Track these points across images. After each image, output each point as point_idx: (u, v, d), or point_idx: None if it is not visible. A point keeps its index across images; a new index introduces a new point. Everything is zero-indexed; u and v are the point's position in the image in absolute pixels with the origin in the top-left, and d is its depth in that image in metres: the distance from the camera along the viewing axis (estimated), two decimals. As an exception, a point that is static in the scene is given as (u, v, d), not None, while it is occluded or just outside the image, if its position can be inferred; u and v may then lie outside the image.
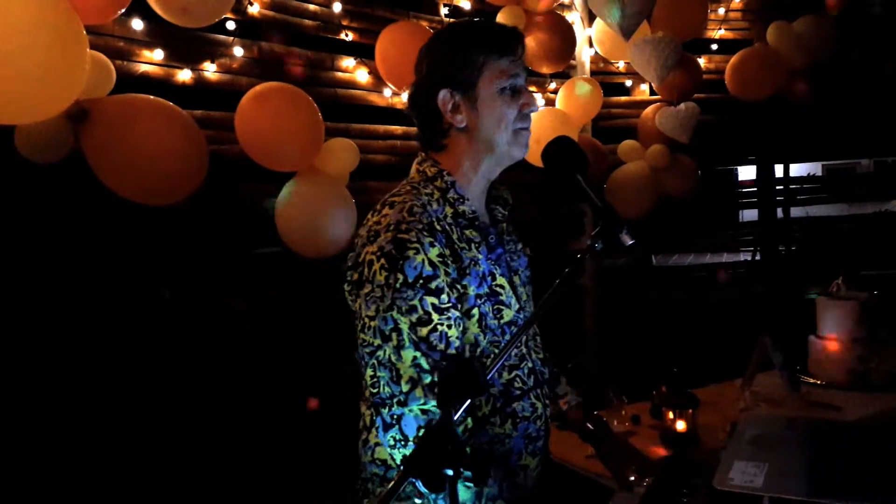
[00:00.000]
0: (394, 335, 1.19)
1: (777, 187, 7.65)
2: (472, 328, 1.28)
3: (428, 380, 1.17)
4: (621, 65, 4.77)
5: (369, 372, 1.22)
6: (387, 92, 3.86)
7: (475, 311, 1.28)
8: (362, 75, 3.79)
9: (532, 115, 1.36)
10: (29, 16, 2.01)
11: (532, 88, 4.32)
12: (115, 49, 2.92)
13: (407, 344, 1.18)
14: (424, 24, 3.98)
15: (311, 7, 3.66)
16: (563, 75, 4.44)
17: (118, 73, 2.65)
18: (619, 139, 4.52)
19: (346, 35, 3.78)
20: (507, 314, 1.33)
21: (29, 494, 2.87)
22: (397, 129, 3.96)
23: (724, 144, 5.27)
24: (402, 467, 0.95)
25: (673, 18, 4.01)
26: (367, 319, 1.22)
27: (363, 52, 3.78)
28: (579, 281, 4.42)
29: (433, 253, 1.22)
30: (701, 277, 9.25)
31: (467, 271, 1.27)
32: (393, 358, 1.19)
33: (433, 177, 1.34)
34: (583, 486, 1.73)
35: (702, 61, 4.71)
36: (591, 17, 4.38)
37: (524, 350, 1.39)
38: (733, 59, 4.52)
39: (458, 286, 1.26)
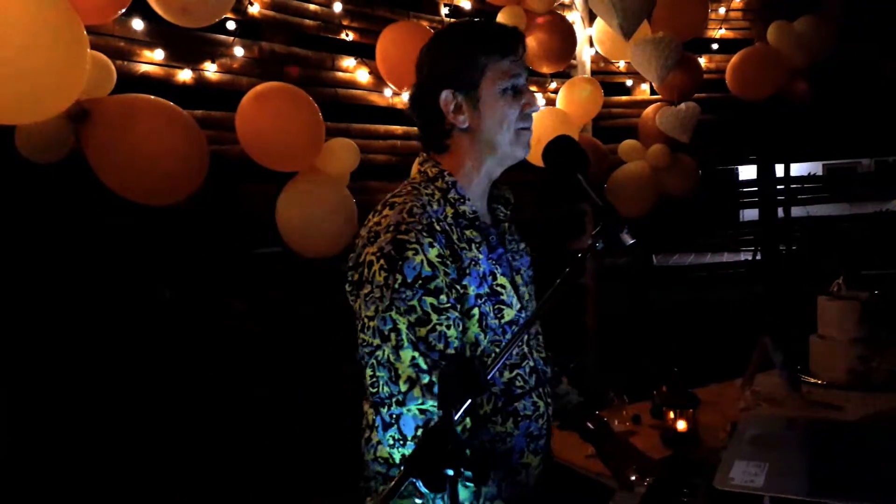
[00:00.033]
0: (392, 335, 1.19)
1: (778, 187, 7.66)
2: (472, 328, 1.28)
3: (426, 380, 1.18)
4: (622, 64, 4.77)
5: (369, 372, 1.23)
6: (387, 92, 3.86)
7: (475, 310, 1.28)
8: (363, 75, 3.79)
9: (533, 114, 1.37)
10: (29, 16, 2.01)
11: (532, 88, 4.32)
12: (116, 49, 2.92)
13: (405, 344, 1.18)
14: (425, 23, 3.98)
15: (312, 7, 3.66)
16: (564, 75, 4.44)
17: (119, 73, 2.65)
18: (620, 139, 4.52)
19: (347, 35, 3.78)
20: (509, 314, 1.33)
21: (29, 494, 2.87)
22: (398, 128, 3.96)
23: (724, 144, 5.27)
24: (402, 467, 0.96)
25: (673, 18, 4.01)
26: (366, 320, 1.22)
27: (364, 52, 3.78)
28: (580, 280, 4.43)
29: (432, 253, 1.22)
30: (701, 277, 9.25)
31: (467, 271, 1.27)
32: (391, 358, 1.19)
33: (434, 177, 1.35)
34: (583, 485, 1.73)
35: (702, 61, 4.71)
36: (591, 17, 4.38)
37: (525, 349, 1.39)
38: (734, 58, 4.52)
39: (458, 286, 1.26)
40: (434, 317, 1.20)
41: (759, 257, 8.12)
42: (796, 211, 8.87)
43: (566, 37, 4.06)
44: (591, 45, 4.47)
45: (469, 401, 0.92)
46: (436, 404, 1.16)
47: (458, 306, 1.26)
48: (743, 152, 7.82)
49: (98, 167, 2.46)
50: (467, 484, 1.19)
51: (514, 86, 1.32)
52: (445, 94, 1.31)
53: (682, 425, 1.87)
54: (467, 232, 1.32)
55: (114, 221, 3.07)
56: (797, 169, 12.15)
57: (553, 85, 4.44)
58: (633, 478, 1.42)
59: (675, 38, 3.93)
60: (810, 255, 7.60)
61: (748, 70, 4.45)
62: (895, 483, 1.24)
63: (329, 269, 3.08)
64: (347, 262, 1.32)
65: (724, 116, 4.84)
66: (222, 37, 3.31)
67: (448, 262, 1.25)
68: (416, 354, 1.18)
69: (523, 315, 1.36)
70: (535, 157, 1.27)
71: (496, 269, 1.34)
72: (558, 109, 4.05)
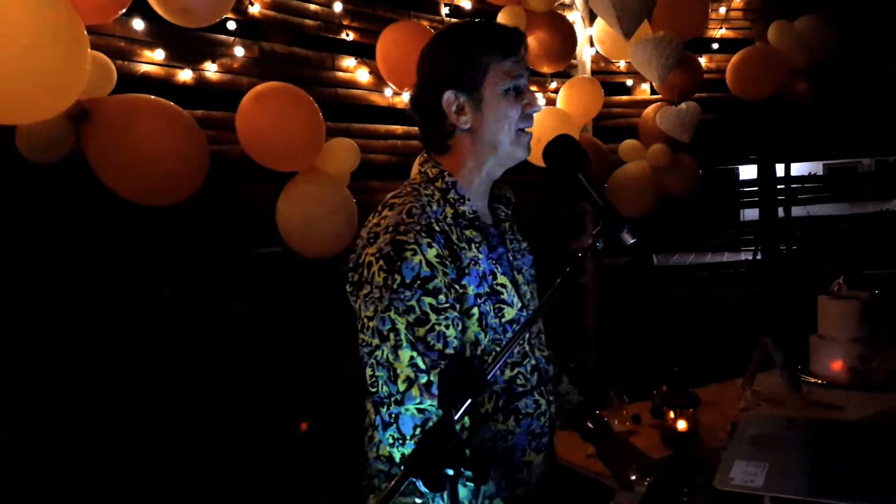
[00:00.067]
0: (391, 335, 1.19)
1: (778, 186, 7.65)
2: (472, 327, 1.29)
3: (424, 379, 1.18)
4: (622, 64, 4.77)
5: (368, 371, 1.24)
6: (388, 92, 3.86)
7: (475, 310, 1.28)
8: (363, 75, 3.79)
9: (533, 115, 1.37)
10: (29, 16, 2.01)
11: (533, 88, 4.32)
12: (116, 49, 2.92)
13: (404, 344, 1.19)
14: (425, 23, 3.98)
15: (312, 7, 3.66)
16: (564, 74, 4.44)
17: (119, 73, 2.65)
18: (620, 139, 4.52)
19: (347, 35, 3.78)
20: (509, 312, 1.33)
21: (29, 494, 2.87)
22: (398, 128, 3.96)
23: (725, 144, 5.27)
24: (402, 467, 0.96)
25: (674, 18, 4.01)
26: (366, 320, 1.23)
27: (364, 52, 3.78)
28: (580, 280, 4.43)
29: (431, 254, 1.23)
30: (701, 277, 9.25)
31: (466, 271, 1.28)
32: (390, 357, 1.19)
33: (434, 178, 1.35)
34: (583, 485, 1.74)
35: (703, 60, 4.71)
36: (591, 17, 4.38)
37: (527, 348, 1.39)
38: (734, 58, 4.52)
39: (457, 286, 1.26)
40: (433, 317, 1.21)
41: (759, 257, 8.13)
42: (797, 210, 8.88)
43: (566, 36, 4.06)
44: (592, 44, 4.47)
45: (469, 401, 0.93)
46: (434, 404, 1.17)
47: (458, 306, 1.26)
48: (743, 152, 7.82)
49: (98, 167, 2.46)
50: (466, 483, 1.19)
51: (515, 86, 1.33)
52: (448, 95, 1.31)
53: (682, 425, 1.87)
54: (467, 232, 1.32)
55: (114, 221, 3.07)
56: (797, 168, 12.15)
57: (553, 84, 4.44)
58: (633, 478, 1.42)
59: (676, 37, 3.93)
60: (811, 255, 7.60)
61: (748, 70, 4.45)
62: (895, 483, 1.24)
63: (329, 269, 3.08)
64: (348, 262, 1.32)
65: (724, 116, 4.83)
66: (223, 37, 3.31)
67: (447, 263, 1.25)
68: (415, 354, 1.19)
69: (524, 314, 1.36)
70: (536, 157, 1.27)
71: (496, 268, 1.34)
72: (559, 109, 4.05)
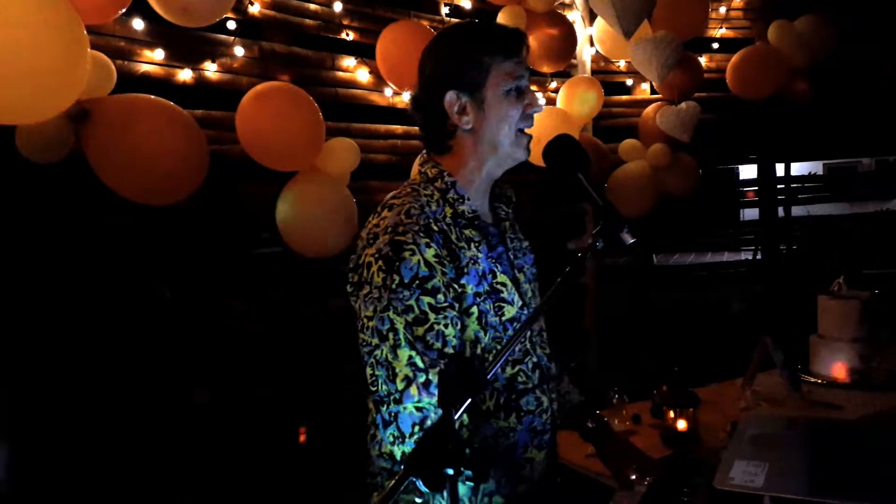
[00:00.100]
0: (390, 335, 1.20)
1: (778, 186, 7.65)
2: (471, 326, 1.29)
3: (422, 378, 1.19)
4: (622, 64, 4.77)
5: (368, 371, 1.24)
6: (388, 91, 3.86)
7: (474, 308, 1.29)
8: (363, 75, 3.79)
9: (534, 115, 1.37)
10: (29, 16, 2.01)
11: (533, 88, 4.32)
12: (116, 49, 2.92)
13: (403, 343, 1.19)
14: (425, 23, 3.98)
15: (312, 6, 3.66)
16: (564, 74, 4.44)
17: (119, 72, 2.65)
18: (620, 138, 4.52)
19: (347, 34, 3.78)
20: (510, 311, 1.33)
21: (29, 494, 2.87)
22: (398, 128, 3.96)
23: (725, 143, 5.26)
24: (402, 466, 0.96)
25: (674, 17, 4.01)
26: (366, 320, 1.23)
27: (364, 52, 3.78)
28: (580, 280, 4.43)
29: (429, 254, 1.23)
30: (701, 277, 9.25)
31: (465, 270, 1.28)
32: (389, 357, 1.20)
33: (434, 178, 1.35)
34: (583, 485, 1.73)
35: (703, 60, 4.71)
36: (591, 17, 4.38)
37: (528, 345, 1.40)
38: (734, 58, 4.52)
39: (456, 285, 1.27)
40: (432, 316, 1.21)
41: (759, 257, 8.12)
42: (797, 210, 8.88)
43: (566, 36, 4.06)
44: (592, 44, 4.47)
45: (469, 400, 0.93)
46: (432, 402, 1.17)
47: (457, 305, 1.26)
48: (743, 152, 7.81)
49: (98, 167, 2.46)
50: (466, 482, 1.20)
51: (517, 87, 1.33)
52: (450, 96, 1.31)
53: (682, 425, 1.87)
54: (466, 231, 1.32)
55: (114, 221, 3.07)
56: (797, 168, 12.15)
57: (553, 84, 4.44)
58: (633, 477, 1.42)
59: (676, 37, 3.93)
60: (811, 255, 7.60)
61: (748, 69, 4.45)
62: (895, 483, 1.24)
63: (329, 270, 3.08)
64: (348, 263, 1.33)
65: (724, 116, 4.83)
66: (223, 36, 3.31)
67: (445, 262, 1.25)
68: (413, 353, 1.19)
69: (525, 312, 1.37)
70: (536, 157, 1.27)
71: (496, 267, 1.34)
72: (559, 109, 4.05)
